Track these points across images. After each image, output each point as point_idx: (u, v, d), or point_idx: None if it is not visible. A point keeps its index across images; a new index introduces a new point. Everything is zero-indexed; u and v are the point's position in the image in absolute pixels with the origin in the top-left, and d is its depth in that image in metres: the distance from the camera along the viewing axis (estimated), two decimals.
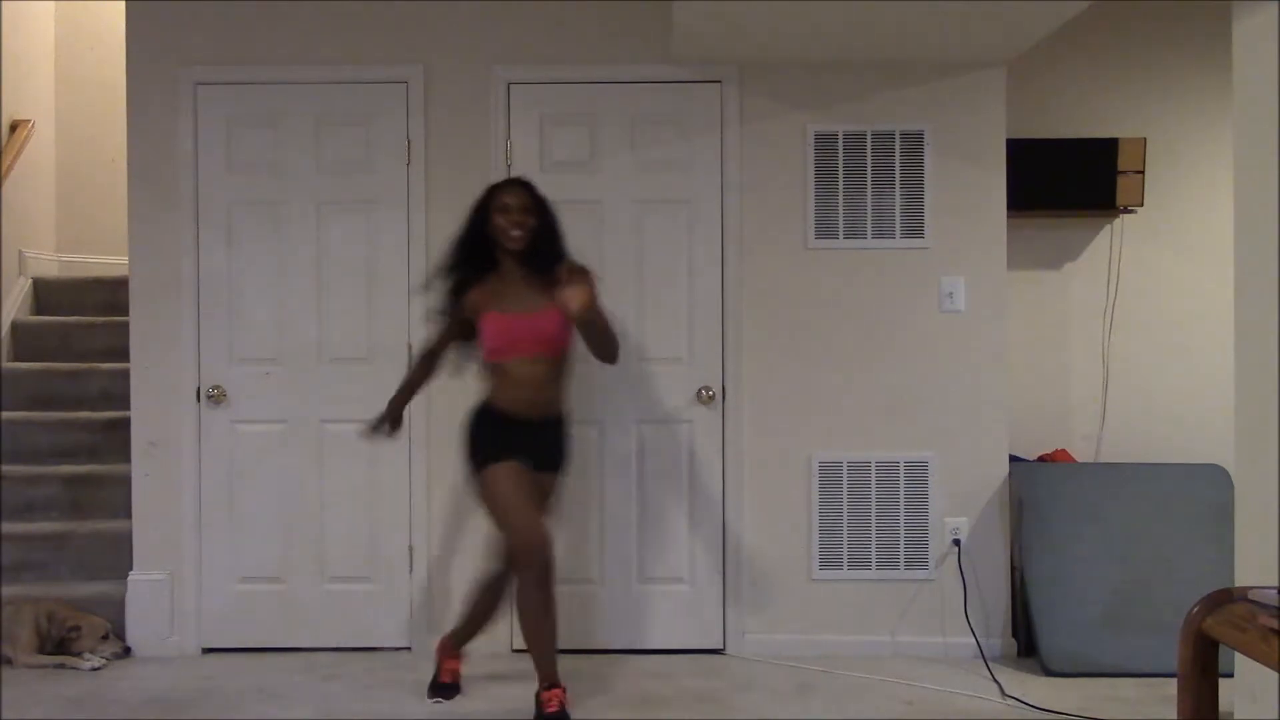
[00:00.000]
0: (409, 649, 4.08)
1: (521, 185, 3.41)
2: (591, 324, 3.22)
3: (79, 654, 3.87)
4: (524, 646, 4.03)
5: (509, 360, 3.31)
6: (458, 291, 3.39)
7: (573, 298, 3.09)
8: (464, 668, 3.63)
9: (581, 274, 3.19)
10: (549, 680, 3.28)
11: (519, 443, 3.32)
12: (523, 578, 3.25)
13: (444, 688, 3.55)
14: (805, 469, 4.10)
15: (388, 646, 4.09)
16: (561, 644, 3.97)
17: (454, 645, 3.60)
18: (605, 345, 3.34)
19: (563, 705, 3.26)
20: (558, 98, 4.10)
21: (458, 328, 3.45)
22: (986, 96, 4.08)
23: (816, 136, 4.09)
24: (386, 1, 4.08)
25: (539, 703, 3.26)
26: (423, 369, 3.57)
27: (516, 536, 3.24)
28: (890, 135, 4.09)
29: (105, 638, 3.93)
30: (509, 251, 3.34)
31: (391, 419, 3.51)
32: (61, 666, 3.84)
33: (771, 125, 4.09)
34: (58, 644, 3.87)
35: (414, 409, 4.04)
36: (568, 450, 3.45)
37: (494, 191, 3.40)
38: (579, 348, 3.38)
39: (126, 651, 3.97)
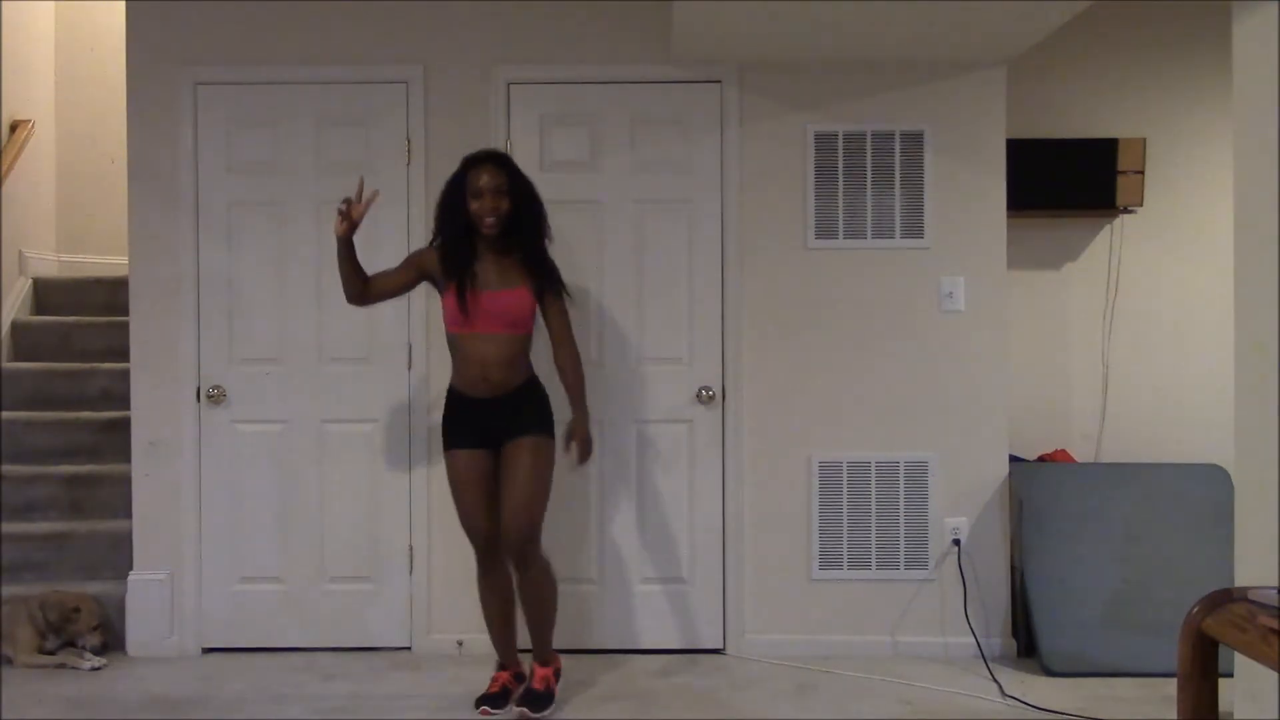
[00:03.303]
0: (409, 649, 4.08)
1: (496, 163, 3.35)
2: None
3: (78, 644, 3.86)
4: (527, 647, 4.04)
5: (467, 334, 3.32)
6: (436, 259, 3.38)
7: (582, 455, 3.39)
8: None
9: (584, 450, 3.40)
10: (503, 663, 3.54)
11: (479, 424, 3.37)
12: (478, 560, 3.43)
13: (489, 698, 3.47)
14: (805, 469, 4.10)
15: (388, 646, 4.09)
16: (562, 644, 3.97)
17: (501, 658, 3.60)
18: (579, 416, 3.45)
19: (504, 688, 3.47)
20: (558, 98, 4.10)
21: (407, 279, 3.44)
22: (986, 96, 4.08)
23: (816, 136, 4.09)
24: (386, 1, 4.08)
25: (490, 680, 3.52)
26: (362, 279, 3.37)
27: (463, 524, 3.42)
28: (890, 135, 4.09)
29: (97, 627, 3.92)
30: (480, 234, 3.33)
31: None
32: (62, 666, 3.85)
33: (771, 125, 4.09)
34: (58, 629, 3.87)
35: (414, 408, 4.06)
36: (537, 414, 3.40)
37: (468, 170, 3.34)
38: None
39: (105, 647, 3.96)
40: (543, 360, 3.51)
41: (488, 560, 3.42)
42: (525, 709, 3.37)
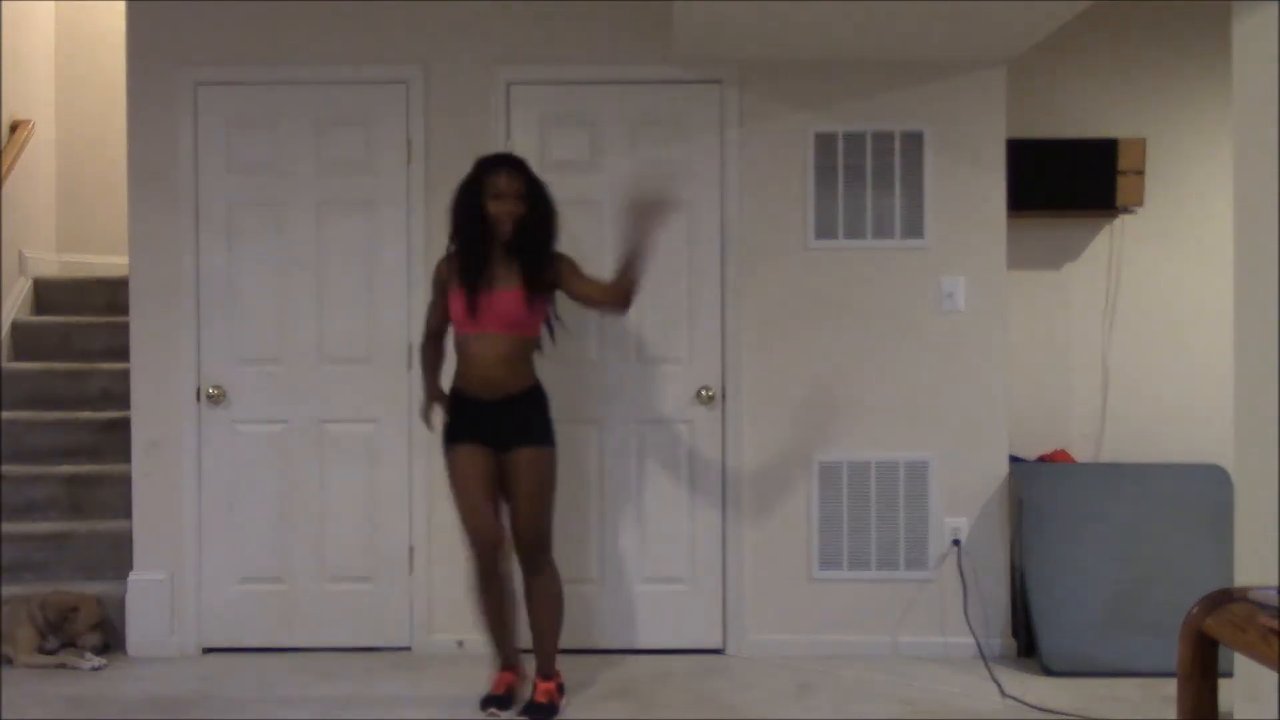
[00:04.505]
0: (409, 649, 4.08)
1: (514, 167, 3.37)
2: (641, 251, 3.23)
3: (78, 644, 3.85)
4: (527, 647, 4.04)
5: (470, 335, 3.34)
6: (452, 266, 3.40)
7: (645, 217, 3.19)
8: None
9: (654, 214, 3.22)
10: (505, 664, 3.48)
11: (481, 424, 3.36)
12: (474, 565, 3.38)
13: (495, 699, 3.46)
14: (805, 469, 4.10)
15: (388, 646, 4.09)
16: (562, 644, 3.97)
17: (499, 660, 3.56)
18: (633, 283, 3.28)
19: (509, 688, 3.45)
20: (558, 98, 4.10)
21: (446, 303, 3.45)
22: (986, 96, 4.08)
23: (816, 137, 4.09)
24: (386, 1, 4.08)
25: (491, 685, 3.50)
26: (433, 350, 3.55)
27: (464, 524, 3.38)
28: (890, 135, 4.09)
29: (96, 626, 3.91)
30: (494, 234, 3.34)
31: (438, 399, 3.51)
32: (62, 666, 3.84)
33: (771, 125, 4.09)
34: (57, 628, 3.86)
35: (414, 408, 4.05)
36: (539, 423, 3.41)
37: (486, 171, 3.35)
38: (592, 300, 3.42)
39: (106, 647, 3.94)
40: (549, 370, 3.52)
41: (487, 568, 3.36)
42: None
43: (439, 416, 3.49)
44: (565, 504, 4.04)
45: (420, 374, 3.61)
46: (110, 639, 4.01)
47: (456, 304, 3.33)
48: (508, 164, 3.38)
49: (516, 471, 3.35)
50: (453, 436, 3.41)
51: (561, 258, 3.41)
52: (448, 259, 3.44)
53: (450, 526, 4.04)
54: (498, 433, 3.35)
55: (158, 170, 4.09)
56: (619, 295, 3.31)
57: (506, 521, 3.39)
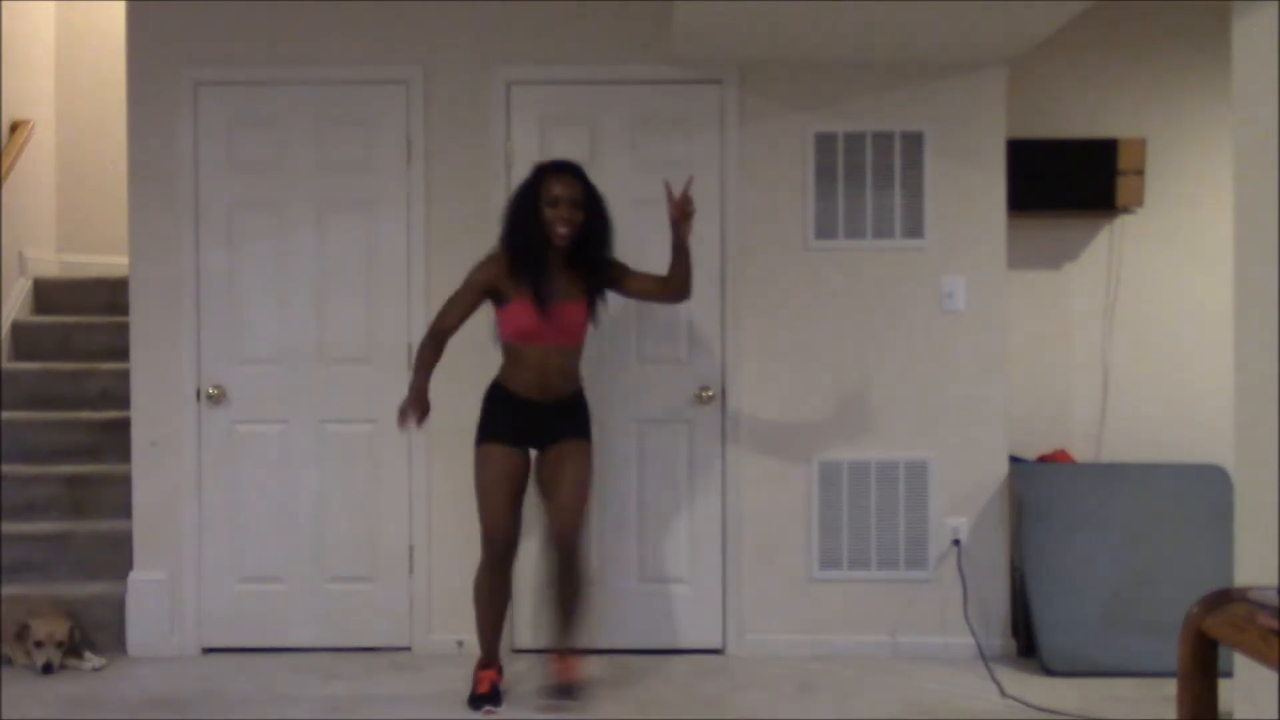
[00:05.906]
0: (409, 649, 4.08)
1: (572, 173, 3.36)
2: (683, 247, 3.36)
3: (32, 654, 3.77)
4: (524, 647, 4.04)
5: (533, 346, 3.35)
6: (503, 268, 3.36)
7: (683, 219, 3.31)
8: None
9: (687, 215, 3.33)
10: (487, 661, 3.54)
11: (525, 423, 3.40)
12: (484, 560, 3.44)
13: (487, 697, 3.48)
14: (805, 469, 4.10)
15: (388, 646, 4.09)
16: (558, 643, 3.97)
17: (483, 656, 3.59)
18: (687, 274, 3.39)
19: (493, 685, 3.49)
20: (558, 98, 4.10)
21: (474, 304, 3.42)
22: (986, 96, 4.08)
23: (816, 136, 4.09)
24: (386, 1, 4.08)
25: (474, 681, 3.53)
26: (435, 349, 3.42)
27: (483, 520, 3.42)
28: (890, 136, 4.09)
29: (40, 645, 3.72)
30: (551, 242, 3.33)
31: (419, 404, 3.33)
32: (62, 667, 3.83)
33: (771, 125, 4.09)
34: (21, 640, 3.78)
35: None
36: (585, 420, 3.50)
37: (544, 177, 3.35)
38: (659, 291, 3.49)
39: (47, 668, 3.74)
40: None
41: (494, 566, 3.43)
42: (567, 700, 3.42)
43: (410, 419, 3.34)
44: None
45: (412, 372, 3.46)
46: (79, 646, 3.85)
47: (523, 317, 3.32)
48: (566, 170, 3.37)
49: (561, 460, 3.41)
50: (490, 434, 3.41)
51: (612, 262, 3.44)
52: (495, 262, 3.38)
53: (450, 526, 4.06)
54: (543, 431, 3.41)
55: (158, 170, 4.09)
56: (679, 284, 3.40)
57: (542, 520, 3.49)
